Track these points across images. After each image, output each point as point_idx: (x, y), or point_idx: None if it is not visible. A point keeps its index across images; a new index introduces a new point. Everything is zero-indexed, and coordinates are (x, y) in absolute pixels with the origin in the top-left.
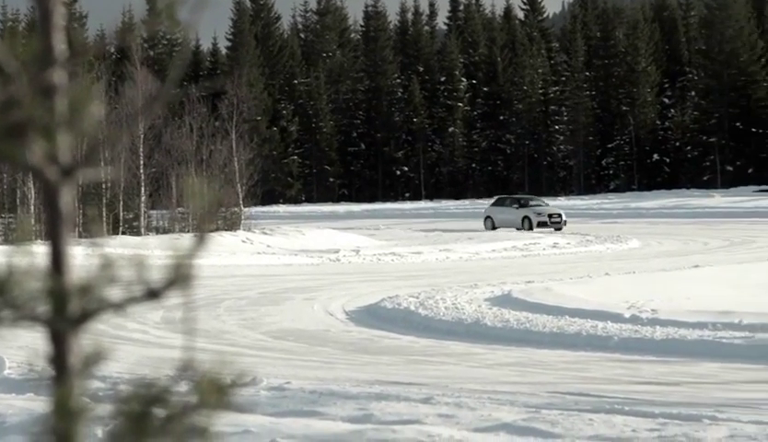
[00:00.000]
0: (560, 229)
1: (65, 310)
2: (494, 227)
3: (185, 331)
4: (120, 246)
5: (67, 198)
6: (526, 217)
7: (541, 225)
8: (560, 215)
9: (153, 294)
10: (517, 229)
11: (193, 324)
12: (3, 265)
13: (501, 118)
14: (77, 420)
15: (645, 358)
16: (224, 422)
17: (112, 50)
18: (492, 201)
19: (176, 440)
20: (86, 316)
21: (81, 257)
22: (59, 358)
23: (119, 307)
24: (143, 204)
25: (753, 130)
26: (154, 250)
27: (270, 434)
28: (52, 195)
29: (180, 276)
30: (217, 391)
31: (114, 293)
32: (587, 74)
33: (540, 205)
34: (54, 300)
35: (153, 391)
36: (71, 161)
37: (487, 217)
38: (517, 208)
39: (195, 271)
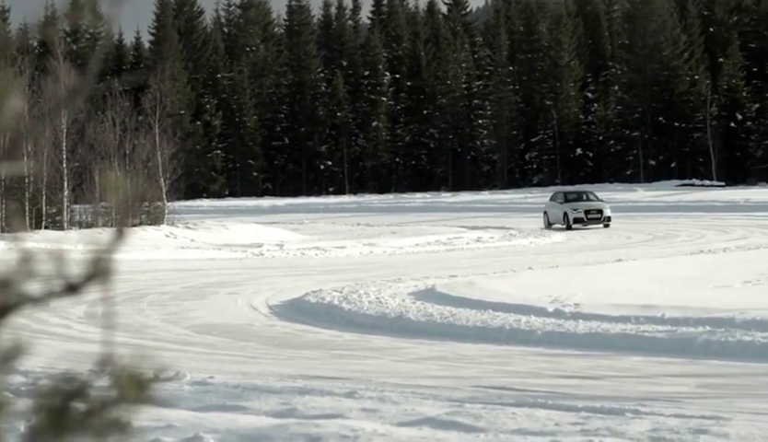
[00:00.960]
0: (606, 225)
1: None
2: (549, 225)
3: (105, 325)
4: (42, 240)
5: None
6: (565, 213)
7: (578, 221)
8: (600, 211)
9: (72, 288)
10: (560, 226)
11: (114, 319)
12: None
13: (425, 112)
14: None
15: (569, 352)
16: (147, 417)
17: (35, 44)
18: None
19: (96, 435)
20: (5, 310)
21: (2, 251)
22: None
23: (38, 301)
24: (66, 199)
25: (676, 124)
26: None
27: (193, 428)
28: None
29: (99, 270)
30: (137, 386)
31: (34, 287)
32: (511, 68)
33: (584, 200)
34: None
35: (73, 386)
36: None
37: (544, 213)
38: (561, 203)
39: (115, 265)
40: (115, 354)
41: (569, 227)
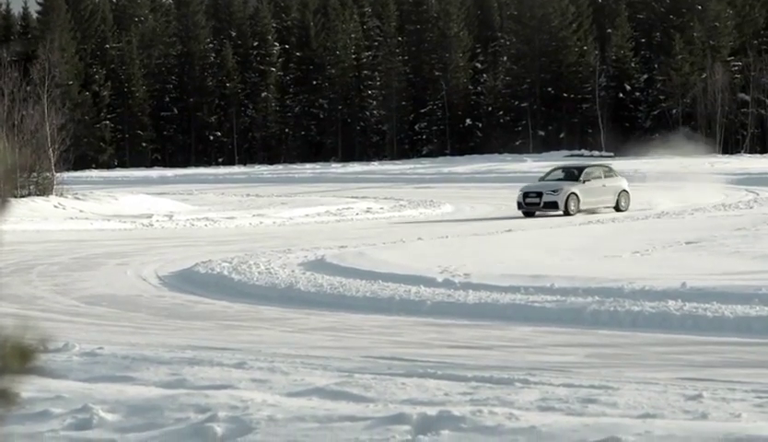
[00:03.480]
0: (568, 214)
1: None
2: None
3: None
4: None
5: None
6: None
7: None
8: (555, 192)
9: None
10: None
11: None
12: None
13: (314, 83)
14: None
15: (458, 322)
16: (35, 388)
17: None
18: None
19: None
20: None
21: None
22: None
23: None
24: None
25: (565, 95)
26: None
27: (82, 399)
28: None
29: None
30: (21, 356)
31: None
32: (400, 39)
33: (552, 182)
34: None
35: None
36: None
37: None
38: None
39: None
40: None
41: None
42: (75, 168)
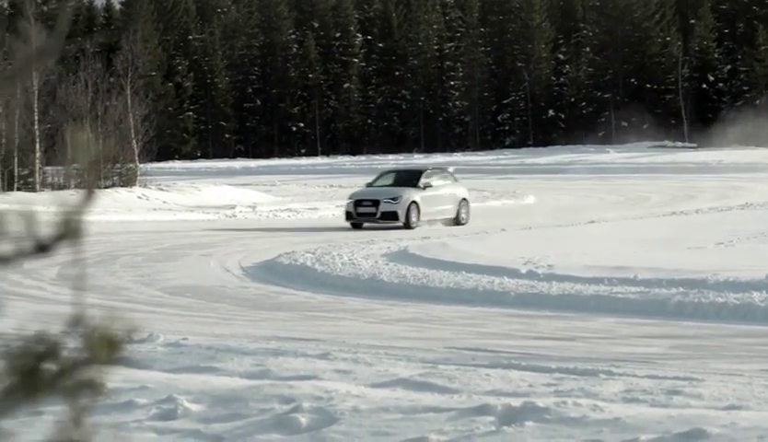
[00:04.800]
0: (408, 227)
1: None
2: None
3: (76, 286)
4: (14, 202)
5: None
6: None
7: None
8: (395, 200)
9: (42, 248)
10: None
11: (85, 279)
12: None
13: (396, 74)
14: None
15: (542, 313)
16: (120, 378)
17: (5, 5)
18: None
19: (68, 395)
20: None
21: None
22: None
23: (8, 260)
24: (38, 160)
25: (648, 86)
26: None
27: (167, 390)
28: None
29: (69, 231)
30: (109, 346)
31: (5, 248)
32: (482, 30)
33: (387, 188)
34: None
35: (44, 347)
36: None
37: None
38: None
39: (85, 225)
40: (87, 315)
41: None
42: (159, 160)
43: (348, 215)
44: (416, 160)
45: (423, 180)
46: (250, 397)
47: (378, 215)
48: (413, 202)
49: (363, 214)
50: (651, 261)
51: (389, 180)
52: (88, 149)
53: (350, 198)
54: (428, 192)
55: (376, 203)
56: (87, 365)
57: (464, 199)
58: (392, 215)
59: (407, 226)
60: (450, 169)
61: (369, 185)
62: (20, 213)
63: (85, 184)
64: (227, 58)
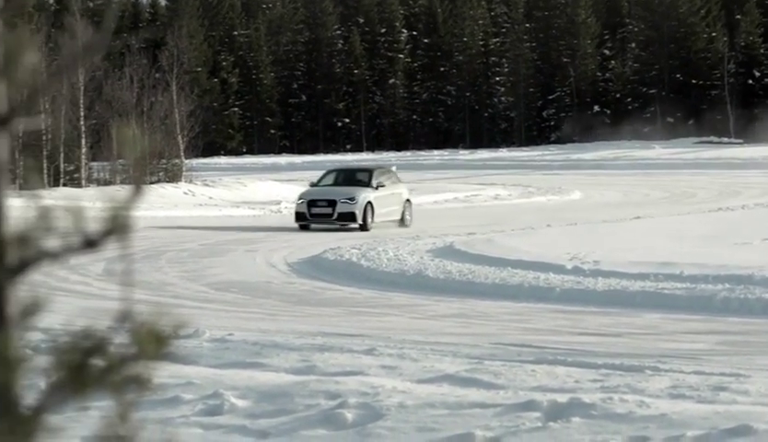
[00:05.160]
0: (365, 228)
1: (3, 260)
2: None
3: (124, 281)
4: (60, 198)
5: (4, 147)
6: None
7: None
8: (352, 200)
9: (90, 243)
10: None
11: (132, 275)
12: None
13: (442, 69)
14: (16, 370)
15: (588, 309)
16: (167, 373)
17: (51, 1)
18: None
19: (115, 390)
20: (24, 265)
21: (20, 208)
22: None
23: (56, 256)
24: (83, 156)
25: (693, 82)
26: (94, 202)
27: (213, 385)
28: None
29: (117, 226)
30: (156, 342)
31: (52, 243)
32: (528, 25)
33: (340, 187)
34: None
35: (92, 342)
36: (7, 110)
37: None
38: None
39: (132, 221)
40: (134, 311)
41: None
42: (204, 155)
43: (299, 217)
44: (461, 156)
45: (375, 180)
46: (295, 392)
47: (335, 216)
48: (369, 202)
49: (317, 215)
50: (697, 257)
51: (338, 179)
52: (135, 145)
53: (301, 198)
54: (381, 193)
55: (332, 203)
56: (135, 360)
57: (408, 200)
58: (350, 217)
59: (364, 227)
60: (393, 168)
61: (315, 184)
62: (67, 208)
63: (132, 180)
64: (273, 54)
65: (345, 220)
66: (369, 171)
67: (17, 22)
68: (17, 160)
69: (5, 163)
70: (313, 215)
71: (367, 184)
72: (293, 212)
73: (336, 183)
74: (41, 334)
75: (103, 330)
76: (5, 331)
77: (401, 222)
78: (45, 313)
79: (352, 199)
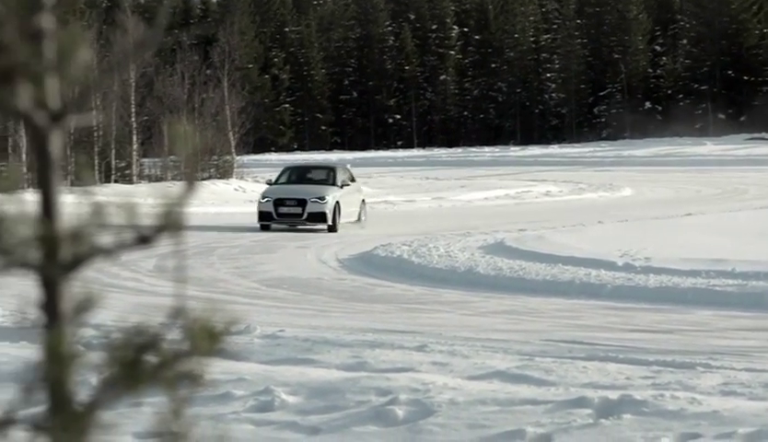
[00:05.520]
0: (334, 229)
1: (56, 256)
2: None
3: (177, 278)
4: (112, 194)
5: (56, 144)
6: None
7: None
8: (323, 200)
9: (143, 240)
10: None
11: (185, 271)
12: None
13: (493, 66)
14: (70, 366)
15: (639, 306)
16: (218, 369)
17: None
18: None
19: (168, 386)
20: (77, 262)
21: (72, 205)
22: (50, 305)
23: (110, 252)
24: (135, 152)
25: (745, 78)
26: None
27: (264, 381)
28: (41, 141)
29: (170, 223)
30: (209, 338)
31: (105, 239)
32: (579, 21)
33: (307, 186)
34: (45, 246)
35: (145, 338)
36: (60, 107)
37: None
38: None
39: (185, 217)
40: (187, 307)
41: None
42: (255, 152)
43: (264, 216)
44: (512, 152)
45: (340, 178)
46: (346, 389)
47: (305, 216)
48: (337, 202)
49: (286, 214)
50: (749, 253)
51: (300, 177)
52: (187, 141)
53: (265, 197)
54: (345, 191)
55: (302, 202)
56: (188, 356)
57: (363, 200)
58: (320, 217)
59: (333, 228)
60: (348, 166)
61: (275, 182)
62: (120, 205)
63: (184, 176)
64: (324, 50)
65: (316, 220)
66: (332, 169)
67: (69, 19)
68: (68, 157)
69: (60, 159)
70: (281, 214)
71: (333, 183)
72: (256, 211)
73: (300, 181)
74: (93, 330)
75: (156, 326)
76: (59, 328)
77: (358, 222)
78: (97, 309)
79: (322, 198)
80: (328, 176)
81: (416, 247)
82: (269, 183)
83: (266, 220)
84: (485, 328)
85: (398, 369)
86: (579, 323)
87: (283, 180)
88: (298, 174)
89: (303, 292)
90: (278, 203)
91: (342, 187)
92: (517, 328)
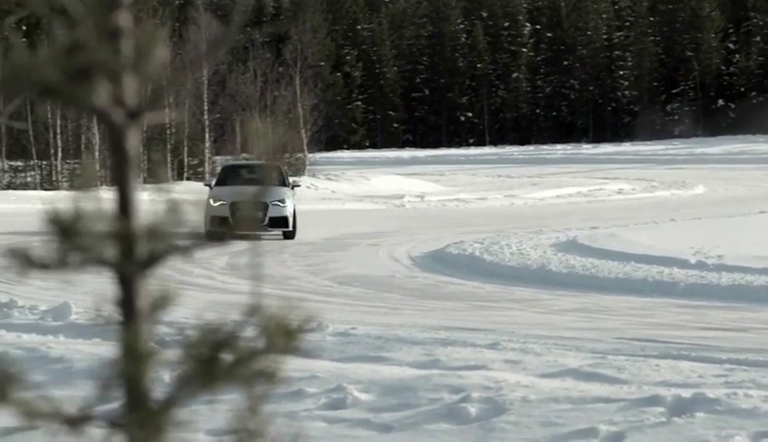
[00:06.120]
0: (291, 236)
1: (133, 253)
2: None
3: (252, 275)
4: (185, 192)
5: (133, 141)
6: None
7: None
8: (283, 203)
9: (218, 236)
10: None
11: (260, 269)
12: (70, 210)
13: (565, 63)
14: (145, 363)
15: (712, 304)
16: (291, 367)
17: None
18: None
19: (244, 384)
20: (153, 259)
21: (147, 202)
22: (127, 302)
23: (186, 250)
24: (207, 150)
25: None
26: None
27: (336, 379)
28: (119, 138)
29: (245, 220)
30: (285, 335)
31: (181, 237)
32: (652, 19)
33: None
34: (122, 243)
35: (220, 336)
36: (137, 104)
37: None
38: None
39: (260, 215)
40: (263, 304)
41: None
42: (327, 149)
43: (219, 222)
44: (584, 150)
45: (289, 179)
46: (419, 386)
47: (266, 221)
48: (294, 205)
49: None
50: None
51: (244, 178)
52: (266, 139)
53: (218, 201)
54: (296, 192)
55: (263, 206)
56: (264, 354)
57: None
58: (282, 222)
59: (291, 234)
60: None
61: (216, 184)
62: (196, 202)
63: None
64: (396, 48)
65: (278, 226)
66: (279, 169)
67: (142, 17)
68: (141, 154)
69: (136, 157)
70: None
71: (284, 184)
72: (206, 217)
73: (248, 182)
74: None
75: (231, 323)
76: (136, 325)
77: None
78: (172, 307)
79: (282, 201)
80: (278, 177)
81: (488, 245)
82: (209, 185)
83: (220, 226)
84: (558, 326)
85: (470, 367)
86: (652, 321)
87: (228, 181)
88: (243, 174)
89: (375, 290)
90: (234, 207)
91: (292, 188)
92: (589, 326)
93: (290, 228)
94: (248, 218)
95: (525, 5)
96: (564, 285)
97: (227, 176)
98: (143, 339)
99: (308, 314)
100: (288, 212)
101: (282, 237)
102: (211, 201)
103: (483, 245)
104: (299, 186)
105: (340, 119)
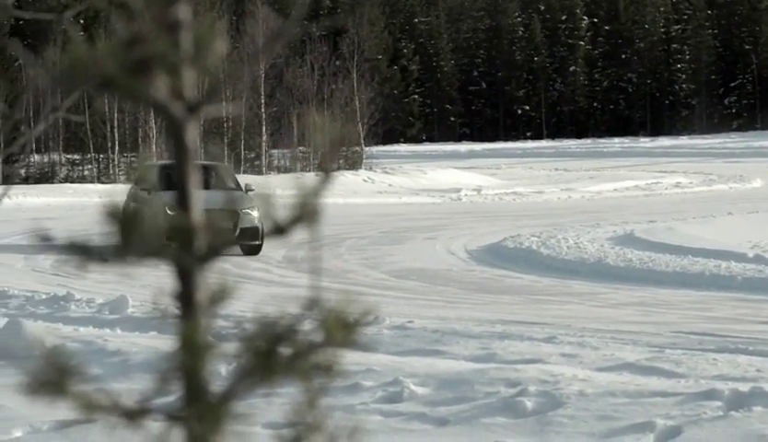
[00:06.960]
0: (259, 249)
1: (192, 247)
2: None
3: (311, 269)
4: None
5: (192, 134)
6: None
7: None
8: (252, 210)
9: (280, 230)
10: None
11: (319, 262)
12: (127, 203)
13: (622, 57)
14: (204, 356)
15: None
16: (348, 360)
17: None
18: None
19: (302, 377)
20: (212, 252)
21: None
22: (185, 295)
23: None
24: (264, 143)
25: None
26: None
27: (393, 372)
28: (178, 132)
29: (306, 214)
30: (343, 329)
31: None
32: (710, 12)
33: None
34: (181, 237)
35: (278, 329)
36: (196, 98)
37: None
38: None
39: (321, 208)
40: (322, 297)
41: None
42: (384, 143)
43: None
44: (642, 143)
45: (245, 183)
46: (475, 380)
47: (237, 232)
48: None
49: None
50: None
51: (159, 179)
52: (327, 132)
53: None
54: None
55: (232, 214)
56: (323, 347)
57: None
58: (253, 234)
59: (258, 249)
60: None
61: (162, 188)
62: (256, 196)
63: (321, 167)
64: (453, 41)
65: (248, 239)
66: (228, 169)
67: (200, 10)
68: (199, 147)
69: (195, 150)
70: None
71: (237, 187)
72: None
73: (144, 186)
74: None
75: (289, 316)
76: (194, 318)
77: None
78: (230, 300)
79: (252, 209)
80: (228, 179)
81: (545, 238)
82: (146, 190)
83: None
84: (615, 319)
85: (527, 361)
86: (709, 315)
87: (174, 184)
88: (155, 173)
89: (432, 283)
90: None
91: (247, 193)
92: (646, 319)
93: (259, 242)
94: (217, 230)
95: None
96: (622, 279)
97: (171, 178)
98: (201, 332)
99: (366, 307)
100: (258, 222)
101: (242, 253)
102: (166, 209)
103: (540, 238)
104: (253, 190)
105: (397, 112)
